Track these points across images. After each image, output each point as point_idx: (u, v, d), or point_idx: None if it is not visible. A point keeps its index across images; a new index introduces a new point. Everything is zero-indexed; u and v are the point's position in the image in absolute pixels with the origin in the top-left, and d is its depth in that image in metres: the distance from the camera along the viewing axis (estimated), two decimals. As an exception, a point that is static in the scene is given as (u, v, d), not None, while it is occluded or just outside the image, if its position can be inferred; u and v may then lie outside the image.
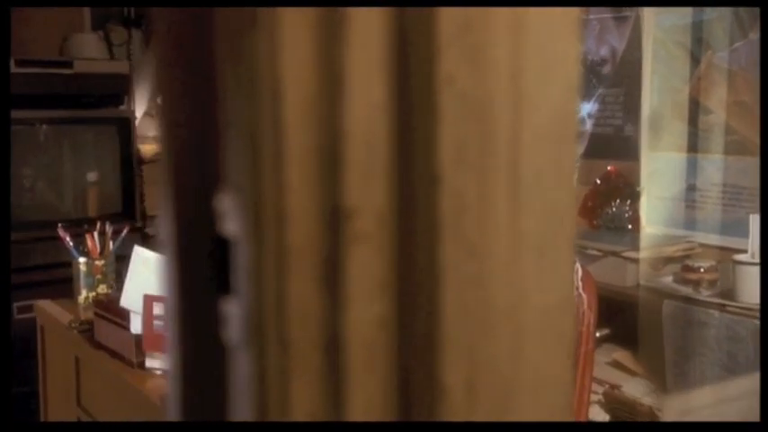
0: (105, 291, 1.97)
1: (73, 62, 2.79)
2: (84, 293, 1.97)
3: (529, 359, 0.41)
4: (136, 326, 1.52)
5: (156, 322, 1.50)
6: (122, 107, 2.92)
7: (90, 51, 3.03)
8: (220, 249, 0.37)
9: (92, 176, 2.94)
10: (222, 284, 0.37)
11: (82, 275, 1.97)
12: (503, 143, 0.39)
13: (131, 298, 1.51)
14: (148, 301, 1.50)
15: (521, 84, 0.39)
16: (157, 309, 1.50)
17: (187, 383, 0.39)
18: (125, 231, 2.03)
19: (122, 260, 2.13)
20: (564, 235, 0.43)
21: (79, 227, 2.17)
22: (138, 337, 1.53)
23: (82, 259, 1.97)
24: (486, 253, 0.40)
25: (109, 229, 1.97)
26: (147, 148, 2.94)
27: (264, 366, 0.36)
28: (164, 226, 0.39)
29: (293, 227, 0.36)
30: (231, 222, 0.36)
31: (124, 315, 1.56)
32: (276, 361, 0.36)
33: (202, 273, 0.38)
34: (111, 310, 1.62)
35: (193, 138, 0.37)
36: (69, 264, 2.01)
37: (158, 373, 1.53)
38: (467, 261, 0.39)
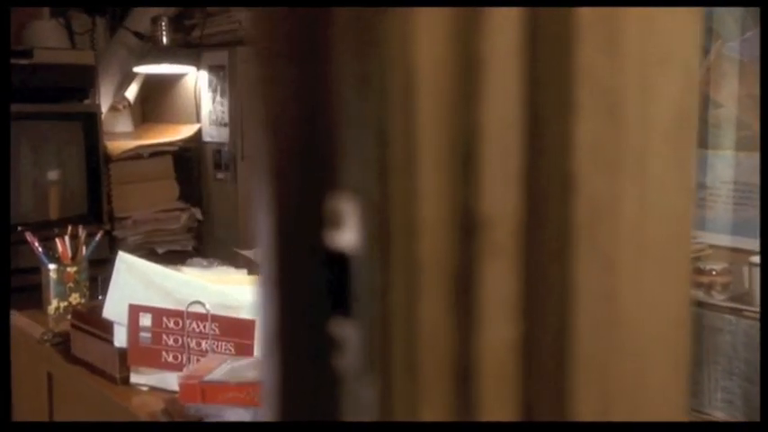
0: (78, 300, 1.92)
1: (33, 51, 2.72)
2: (54, 303, 1.92)
3: (651, 383, 0.40)
4: (120, 338, 1.49)
5: (142, 334, 1.47)
6: (87, 101, 2.86)
7: (50, 40, 2.96)
8: (334, 264, 0.34)
9: (53, 175, 2.87)
10: (336, 304, 0.35)
11: (52, 283, 1.92)
12: (632, 140, 0.37)
13: (115, 308, 1.48)
14: (134, 311, 1.46)
15: (648, 76, 0.38)
16: (144, 320, 1.46)
17: (292, 418, 0.36)
18: (99, 235, 1.98)
19: (93, 266, 2.09)
20: (683, 244, 0.41)
21: (43, 230, 2.12)
22: (122, 351, 1.49)
23: (52, 266, 1.92)
24: (617, 265, 0.38)
25: (82, 232, 1.92)
26: (115, 145, 2.88)
27: (388, 397, 0.34)
28: (262, 236, 0.36)
29: (424, 238, 0.33)
30: (348, 232, 0.34)
31: (105, 327, 1.52)
32: (402, 391, 0.34)
33: (311, 291, 0.35)
34: (91, 322, 1.58)
35: (301, 138, 0.35)
36: (34, 270, 1.96)
37: (144, 389, 1.49)
38: (600, 275, 0.37)
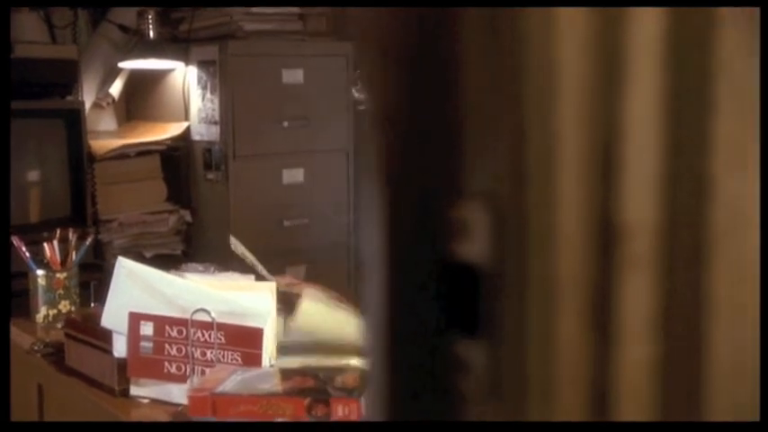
0: (68, 307, 1.89)
1: (13, 46, 2.68)
2: (43, 311, 1.89)
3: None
4: (119, 348, 1.46)
5: (143, 344, 1.44)
6: (69, 97, 2.82)
7: (29, 34, 2.92)
8: (459, 278, 0.33)
9: (33, 176, 2.83)
10: (462, 323, 0.33)
11: (40, 290, 1.88)
12: (761, 142, 0.36)
13: (114, 316, 1.45)
14: (135, 319, 1.44)
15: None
16: (145, 328, 1.44)
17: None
18: (89, 239, 1.95)
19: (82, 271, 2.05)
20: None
21: (23, 234, 2.08)
22: (121, 362, 1.46)
23: (40, 272, 1.88)
24: (748, 275, 0.36)
25: (72, 236, 1.89)
26: (99, 144, 2.84)
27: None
28: (375, 247, 0.34)
29: (562, 249, 0.31)
30: (477, 244, 0.32)
31: (103, 336, 1.49)
32: (535, 416, 0.32)
33: (432, 308, 0.33)
34: (87, 331, 1.55)
35: (424, 142, 0.33)
36: (17, 275, 1.92)
37: (145, 401, 1.47)
38: (735, 286, 0.36)
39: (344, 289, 1.94)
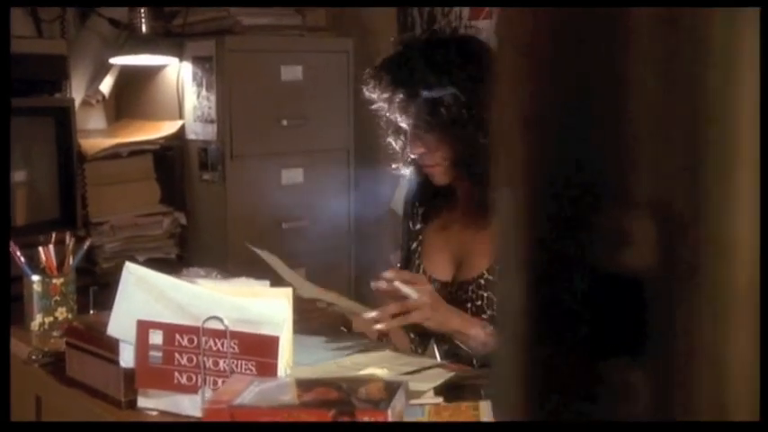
0: (65, 314, 1.86)
1: (0, 41, 2.64)
2: (38, 318, 1.86)
3: None
4: (126, 358, 1.43)
5: (152, 353, 1.42)
6: (58, 94, 2.79)
7: (15, 28, 2.88)
8: (620, 292, 0.31)
9: (20, 176, 2.79)
10: (622, 340, 0.31)
11: (36, 297, 1.85)
12: None
13: (121, 324, 1.42)
14: (143, 328, 1.41)
15: None
16: (155, 337, 1.41)
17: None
18: (87, 243, 1.92)
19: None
20: None
21: (15, 236, 2.05)
22: (128, 372, 1.44)
23: (36, 277, 1.85)
24: None
25: (70, 239, 1.86)
26: (90, 144, 2.81)
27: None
28: (511, 254, 0.33)
29: (739, 260, 0.30)
30: (642, 254, 0.30)
31: (108, 345, 1.47)
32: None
33: (584, 323, 0.32)
34: (91, 340, 1.52)
35: (576, 144, 0.31)
36: (11, 281, 1.89)
37: (153, 414, 1.44)
38: None
39: (346, 294, 1.92)
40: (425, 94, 1.64)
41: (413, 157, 1.75)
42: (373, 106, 1.74)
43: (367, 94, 1.74)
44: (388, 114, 1.75)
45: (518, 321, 0.33)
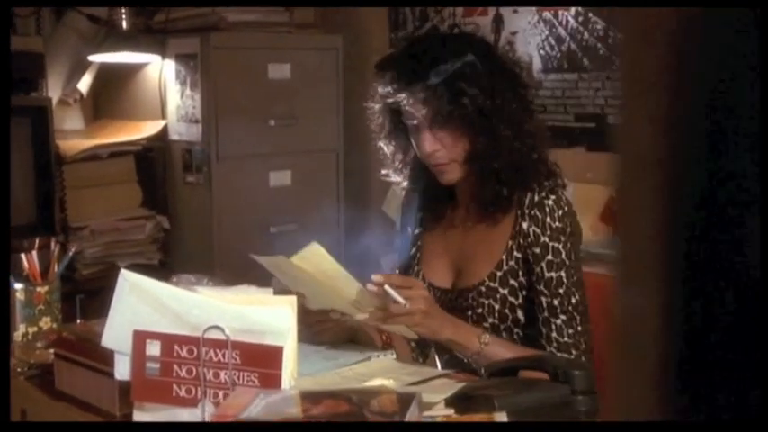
0: (50, 324, 1.82)
1: (-26, 37, 2.60)
2: (21, 328, 1.81)
3: None
4: (122, 370, 1.40)
5: (149, 365, 1.38)
6: (35, 94, 2.75)
7: (-12, 24, 2.83)
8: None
9: (-7, 179, 2.75)
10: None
11: (19, 306, 1.81)
12: None
13: (116, 335, 1.39)
14: (140, 338, 1.38)
15: None
16: (152, 348, 1.38)
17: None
18: (72, 249, 1.88)
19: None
20: None
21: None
22: (123, 385, 1.41)
23: (18, 285, 1.81)
24: None
25: (55, 246, 1.82)
26: (68, 145, 2.77)
27: None
28: (642, 251, 0.31)
29: None
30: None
31: (101, 357, 1.43)
32: None
33: (734, 333, 0.30)
34: (83, 351, 1.49)
35: (720, 142, 0.29)
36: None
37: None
38: None
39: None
40: (447, 84, 1.61)
41: (424, 156, 1.70)
42: (389, 100, 1.69)
43: (381, 89, 1.69)
44: (387, 115, 1.72)
45: (657, 341, 0.31)
